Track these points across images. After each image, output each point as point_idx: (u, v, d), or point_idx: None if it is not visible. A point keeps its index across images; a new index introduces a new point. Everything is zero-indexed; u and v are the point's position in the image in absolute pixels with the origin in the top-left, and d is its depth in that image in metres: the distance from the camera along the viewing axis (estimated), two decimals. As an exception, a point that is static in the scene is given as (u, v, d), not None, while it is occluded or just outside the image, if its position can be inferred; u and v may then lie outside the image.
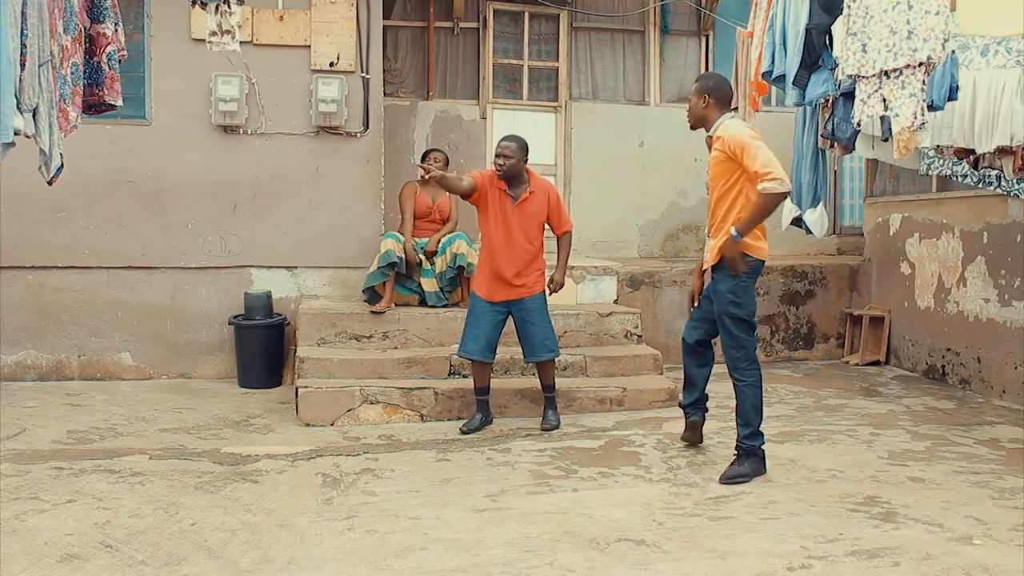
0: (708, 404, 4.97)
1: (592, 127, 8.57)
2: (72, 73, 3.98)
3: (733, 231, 4.29)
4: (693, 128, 4.68)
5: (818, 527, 3.72)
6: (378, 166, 7.11)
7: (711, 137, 4.55)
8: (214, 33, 5.01)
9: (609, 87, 8.81)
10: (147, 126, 6.81)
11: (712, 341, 4.77)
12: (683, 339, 4.88)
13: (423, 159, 6.57)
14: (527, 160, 5.28)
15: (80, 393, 6.32)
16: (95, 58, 4.33)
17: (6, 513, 3.80)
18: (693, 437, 4.93)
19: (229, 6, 4.97)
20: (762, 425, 4.46)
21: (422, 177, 6.47)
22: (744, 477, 4.39)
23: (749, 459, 4.45)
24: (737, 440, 4.48)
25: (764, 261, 4.48)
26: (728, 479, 4.38)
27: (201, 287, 6.88)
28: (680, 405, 4.98)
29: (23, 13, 3.46)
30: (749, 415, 4.44)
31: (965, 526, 3.74)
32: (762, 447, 4.47)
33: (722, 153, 4.40)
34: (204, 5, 5.00)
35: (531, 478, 4.40)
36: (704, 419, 4.96)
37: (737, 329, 4.43)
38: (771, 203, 4.20)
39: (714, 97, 4.52)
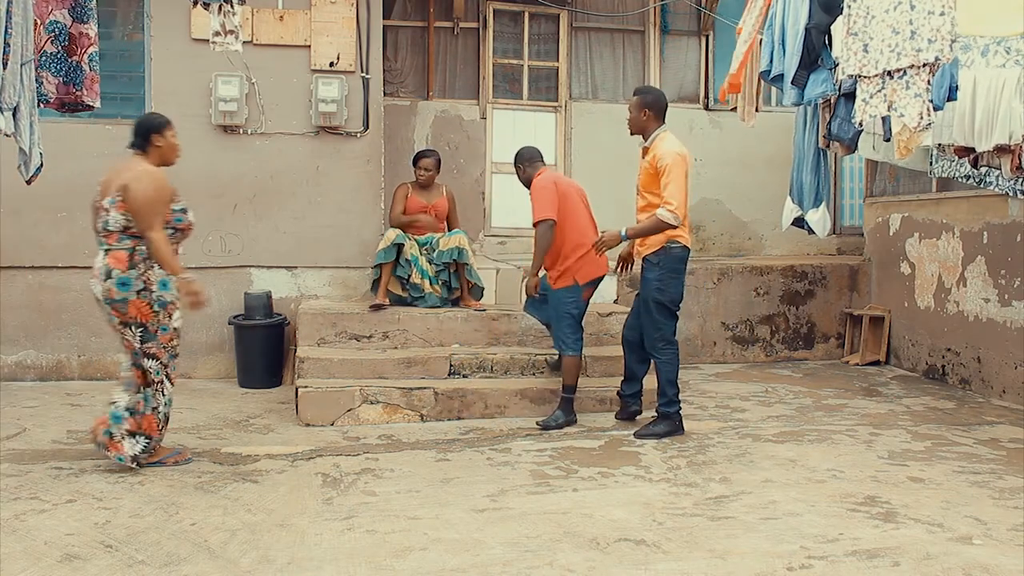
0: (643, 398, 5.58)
1: (592, 127, 8.57)
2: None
3: (623, 231, 5.06)
4: (632, 135, 5.26)
5: (818, 527, 3.72)
6: (378, 166, 7.11)
7: (645, 147, 5.14)
8: (217, 33, 5.00)
9: (609, 87, 8.81)
10: (147, 126, 6.80)
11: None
12: (624, 336, 5.49)
13: (415, 163, 6.50)
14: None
15: (80, 393, 6.32)
16: (74, 57, 4.30)
17: (6, 513, 3.80)
18: (627, 417, 5.52)
19: (232, 6, 4.96)
20: (680, 395, 5.26)
21: (416, 182, 6.48)
22: (655, 436, 5.13)
23: (664, 421, 5.18)
24: (656, 406, 5.23)
25: (689, 250, 5.15)
26: (640, 435, 5.16)
27: (201, 287, 6.87)
28: (619, 394, 5.56)
29: (7, 12, 3.46)
30: (665, 387, 5.16)
31: (965, 526, 3.74)
32: (677, 412, 5.19)
33: (651, 167, 5.03)
34: (207, 5, 4.99)
35: (531, 478, 4.40)
36: (641, 409, 5.54)
37: (658, 313, 5.11)
38: (658, 226, 4.96)
39: (653, 110, 5.12)
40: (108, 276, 4.27)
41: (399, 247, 6.21)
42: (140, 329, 4.34)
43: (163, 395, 4.49)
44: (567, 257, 5.39)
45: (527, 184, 5.57)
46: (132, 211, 4.27)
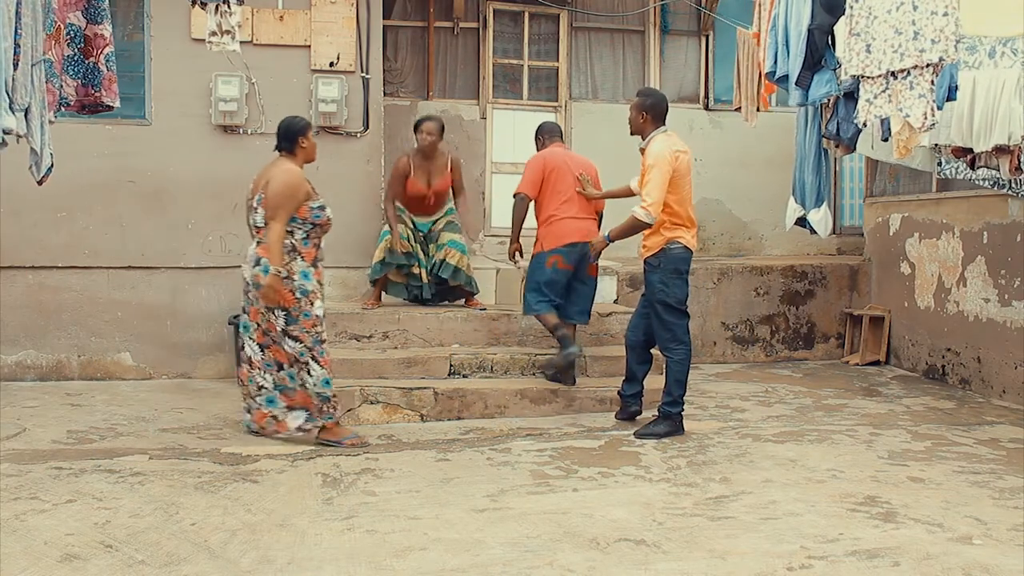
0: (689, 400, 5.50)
1: (592, 127, 8.56)
2: (47, 70, 3.95)
3: (607, 234, 5.27)
4: (632, 134, 5.33)
5: (818, 527, 3.72)
6: (378, 166, 7.11)
7: (642, 149, 5.21)
8: (214, 33, 5.02)
9: (609, 87, 8.81)
10: (147, 126, 6.81)
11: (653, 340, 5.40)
12: (626, 336, 5.54)
13: (416, 128, 6.25)
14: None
15: (80, 393, 6.32)
16: (91, 59, 4.31)
17: (6, 513, 3.80)
18: (627, 417, 5.51)
19: (229, 6, 4.97)
20: (685, 396, 5.26)
21: (418, 150, 6.23)
22: (655, 435, 5.12)
23: (665, 421, 5.18)
24: (660, 404, 5.20)
25: (691, 251, 5.20)
26: (640, 434, 5.16)
27: (201, 287, 6.88)
28: (620, 394, 5.54)
29: (17, 13, 3.46)
30: (672, 386, 5.16)
31: (965, 526, 3.74)
32: (679, 413, 5.20)
33: (643, 167, 5.13)
34: (204, 5, 5.00)
35: (531, 478, 4.40)
36: (641, 410, 5.51)
37: (666, 314, 5.16)
38: (634, 225, 5.10)
39: (650, 114, 5.18)
40: (256, 263, 4.76)
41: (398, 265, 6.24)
42: (283, 312, 4.77)
43: (310, 375, 4.85)
44: (539, 226, 5.75)
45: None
46: (266, 203, 4.71)
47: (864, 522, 3.79)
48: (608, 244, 5.32)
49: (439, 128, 6.20)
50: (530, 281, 5.74)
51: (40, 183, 4.01)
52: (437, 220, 6.41)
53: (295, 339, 4.80)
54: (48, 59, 3.98)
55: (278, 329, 4.81)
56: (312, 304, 4.80)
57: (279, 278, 4.68)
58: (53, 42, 4.05)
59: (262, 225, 4.78)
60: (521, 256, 5.94)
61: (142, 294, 6.84)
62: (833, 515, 3.87)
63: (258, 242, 4.81)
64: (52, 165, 3.99)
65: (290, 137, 4.89)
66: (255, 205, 4.81)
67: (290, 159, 4.89)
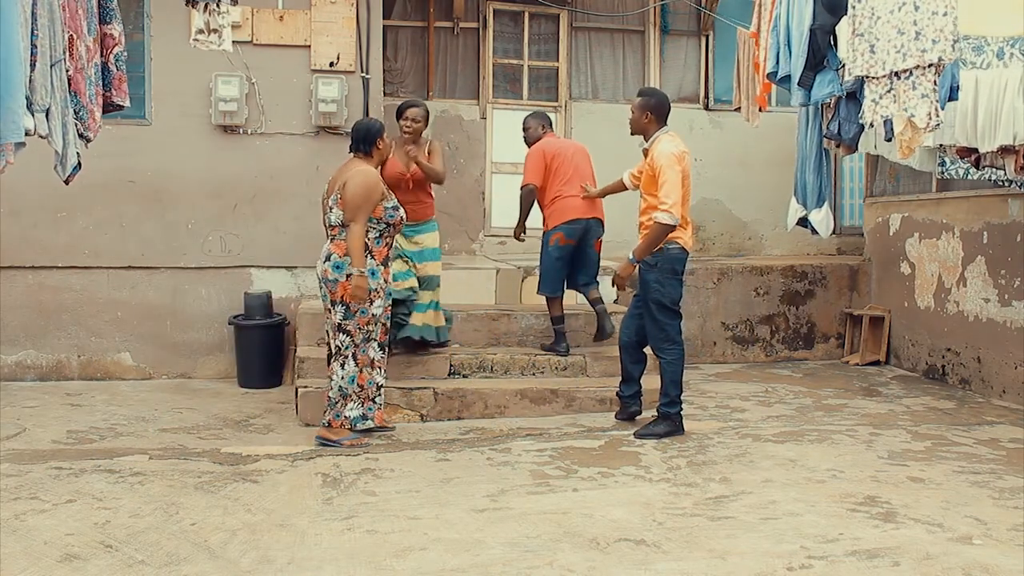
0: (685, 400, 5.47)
1: (592, 127, 8.56)
2: (96, 74, 4.05)
3: (630, 255, 5.08)
4: (632, 135, 5.34)
5: (818, 527, 3.72)
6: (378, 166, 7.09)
7: (645, 149, 5.20)
8: (201, 31, 5.01)
9: (609, 87, 8.81)
10: (147, 126, 6.81)
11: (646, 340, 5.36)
12: (619, 337, 5.53)
13: (399, 115, 5.68)
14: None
15: (80, 393, 6.32)
16: (102, 58, 4.34)
17: (6, 513, 3.80)
18: (627, 417, 5.50)
19: (218, 5, 4.96)
20: (684, 395, 5.32)
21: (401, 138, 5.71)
22: (655, 436, 5.12)
23: (665, 421, 5.18)
24: (658, 405, 5.21)
25: (687, 252, 5.15)
26: (640, 435, 5.15)
27: (201, 287, 6.88)
28: (619, 395, 5.55)
29: (33, 14, 3.46)
30: (668, 387, 5.16)
31: (965, 526, 3.74)
32: (679, 413, 5.19)
33: (650, 169, 5.07)
34: (194, 4, 4.99)
35: (531, 478, 4.40)
36: (641, 410, 5.50)
37: (660, 314, 5.11)
38: (659, 232, 4.96)
39: (654, 114, 5.17)
40: (327, 259, 4.91)
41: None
42: (343, 307, 4.89)
43: (343, 368, 4.96)
44: (544, 208, 6.00)
45: (529, 146, 6.14)
46: (345, 203, 4.84)
47: (864, 522, 3.79)
48: (635, 266, 5.13)
49: (424, 114, 5.68)
50: (541, 263, 6.03)
51: (67, 182, 4.03)
52: (420, 250, 5.69)
53: (346, 333, 4.92)
54: (96, 63, 4.11)
55: (335, 322, 4.94)
56: (371, 303, 4.91)
57: (363, 277, 4.80)
58: (97, 46, 4.11)
59: (336, 224, 4.90)
60: (524, 234, 6.19)
61: (142, 294, 6.84)
62: (833, 515, 3.87)
63: (332, 239, 4.93)
64: (79, 164, 4.01)
65: (370, 140, 5.04)
66: (331, 204, 4.93)
67: (365, 160, 5.03)
